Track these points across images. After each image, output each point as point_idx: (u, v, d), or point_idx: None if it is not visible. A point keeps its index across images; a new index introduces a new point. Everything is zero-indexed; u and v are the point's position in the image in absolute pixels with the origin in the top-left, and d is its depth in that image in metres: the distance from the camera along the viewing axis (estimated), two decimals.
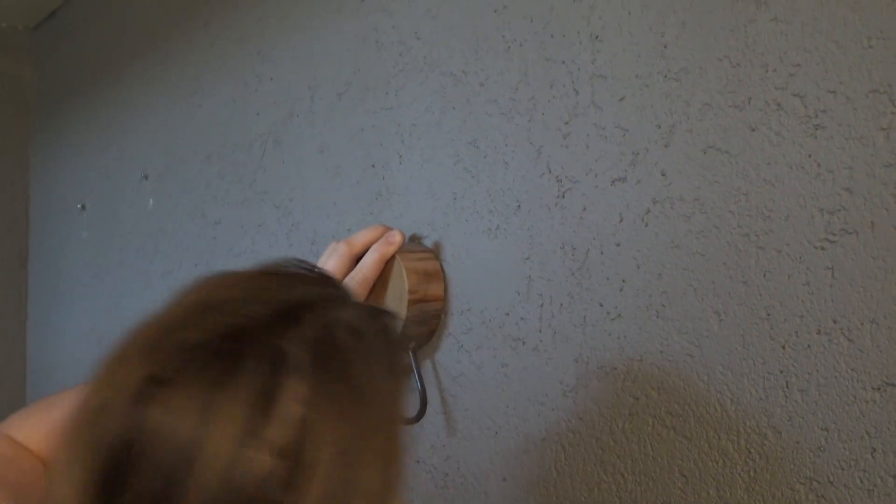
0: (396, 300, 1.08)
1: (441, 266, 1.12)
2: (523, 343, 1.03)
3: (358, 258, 1.09)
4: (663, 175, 0.91)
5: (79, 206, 1.93)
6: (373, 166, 1.22)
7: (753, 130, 0.84)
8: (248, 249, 1.45)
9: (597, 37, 0.97)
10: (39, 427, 0.95)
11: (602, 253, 0.96)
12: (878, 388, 0.76)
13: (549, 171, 1.01)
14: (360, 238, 1.09)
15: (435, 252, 1.13)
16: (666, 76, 0.91)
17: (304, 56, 1.35)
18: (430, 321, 1.11)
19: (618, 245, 0.94)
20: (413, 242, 1.15)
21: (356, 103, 1.25)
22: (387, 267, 1.09)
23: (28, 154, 2.21)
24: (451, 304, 1.11)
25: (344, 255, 1.08)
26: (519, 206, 1.04)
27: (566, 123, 0.99)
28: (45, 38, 2.17)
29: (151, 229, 1.70)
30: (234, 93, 1.50)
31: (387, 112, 1.20)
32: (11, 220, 2.22)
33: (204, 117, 1.57)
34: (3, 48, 2.21)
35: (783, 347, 0.82)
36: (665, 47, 0.91)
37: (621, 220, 0.94)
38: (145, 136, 1.73)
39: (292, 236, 1.35)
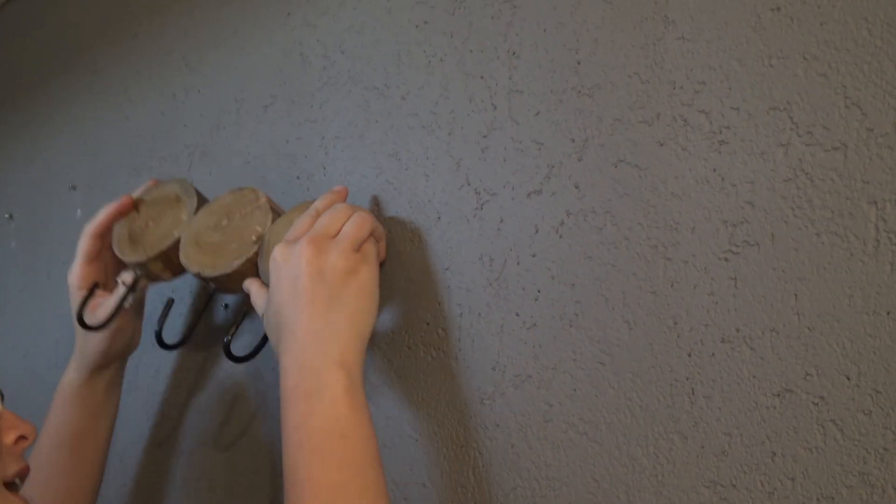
0: None
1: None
2: (443, 352, 1.05)
3: None
4: (577, 188, 0.93)
5: (6, 215, 1.92)
6: (298, 178, 1.24)
7: (661, 145, 0.86)
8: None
9: (514, 53, 0.99)
10: None
11: (518, 264, 0.98)
12: (778, 395, 0.79)
13: (468, 184, 1.03)
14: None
15: None
16: (580, 92, 0.93)
17: (230, 68, 1.36)
18: None
19: (533, 256, 0.97)
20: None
21: (282, 115, 1.27)
22: None
23: None
24: None
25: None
26: (439, 218, 1.06)
27: (484, 137, 1.01)
28: None
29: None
30: (161, 104, 1.50)
31: (311, 125, 1.22)
32: None
33: (132, 128, 1.58)
34: None
35: (689, 355, 0.84)
36: (579, 64, 0.93)
37: (537, 232, 0.96)
38: (74, 147, 1.73)
39: None
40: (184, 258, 1.16)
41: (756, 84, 0.81)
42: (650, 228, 0.87)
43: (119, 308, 1.26)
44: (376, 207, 1.14)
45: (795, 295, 0.78)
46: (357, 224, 1.01)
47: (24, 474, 1.05)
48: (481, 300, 1.01)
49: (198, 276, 1.13)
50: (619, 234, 0.90)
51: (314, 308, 0.96)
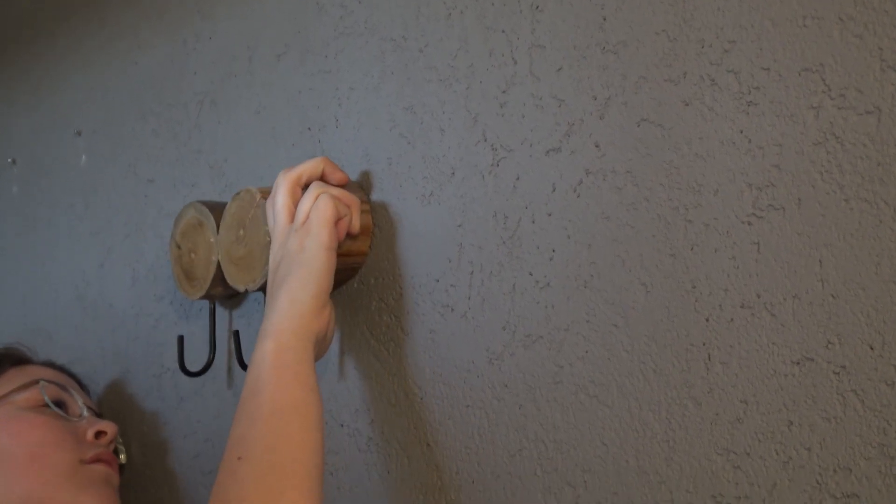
0: None
1: (373, 222, 1.12)
2: (452, 310, 1.04)
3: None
4: (597, 147, 0.91)
5: (9, 160, 1.90)
6: (309, 129, 1.22)
7: (687, 105, 0.85)
8: (179, 209, 1.43)
9: (537, 7, 0.97)
10: None
11: (534, 222, 0.96)
12: (798, 362, 0.77)
13: (485, 140, 1.01)
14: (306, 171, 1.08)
15: (370, 205, 1.13)
16: (604, 48, 0.91)
17: (243, 16, 1.34)
18: (344, 272, 1.12)
19: (549, 215, 0.95)
20: (356, 187, 1.14)
21: (295, 65, 1.25)
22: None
23: None
24: (381, 269, 1.11)
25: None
26: (453, 174, 1.04)
27: (503, 92, 0.99)
28: None
29: (83, 186, 1.68)
30: (171, 51, 1.48)
31: (325, 75, 1.20)
32: None
33: (140, 75, 1.56)
34: None
35: (707, 320, 0.83)
36: (604, 20, 0.91)
37: (554, 191, 0.95)
38: (79, 92, 1.71)
39: (225, 197, 1.34)
40: (229, 280, 1.21)
41: (788, 44, 0.79)
42: (672, 189, 0.85)
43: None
44: (367, 183, 1.15)
45: (820, 261, 0.76)
46: (303, 205, 1.04)
47: (103, 459, 1.28)
48: (494, 258, 1.00)
49: (245, 290, 1.18)
50: (639, 195, 0.88)
51: (269, 295, 1.02)
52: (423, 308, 1.07)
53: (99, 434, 1.30)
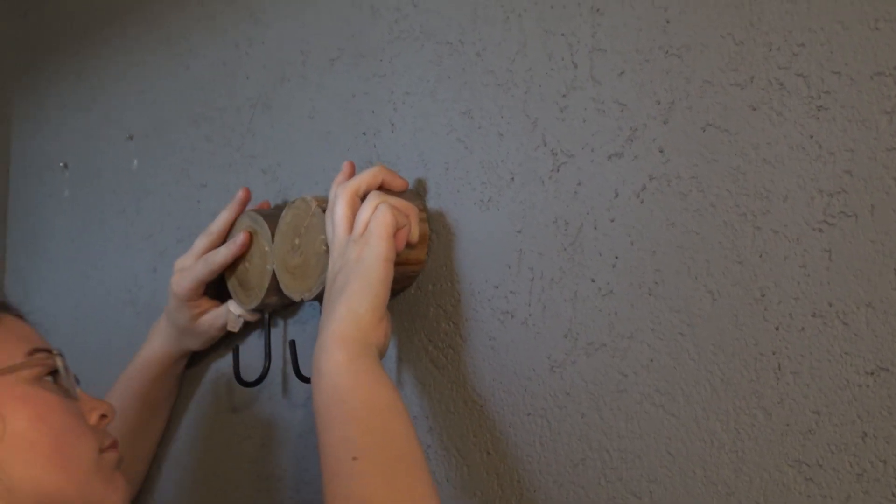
0: None
1: (429, 229, 1.12)
2: (512, 317, 1.03)
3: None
4: (661, 152, 0.90)
5: (61, 164, 1.91)
6: (364, 134, 1.21)
7: (754, 109, 0.83)
8: None
9: (598, 10, 0.96)
10: None
11: (596, 228, 0.95)
12: (872, 373, 0.75)
13: (545, 145, 1.00)
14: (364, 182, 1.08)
15: (427, 213, 1.12)
16: (667, 52, 0.90)
17: (296, 20, 1.34)
18: (401, 280, 1.12)
19: (612, 221, 0.94)
20: (414, 194, 1.14)
21: (349, 69, 1.24)
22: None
23: (9, 110, 2.17)
24: (439, 276, 1.10)
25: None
26: (512, 179, 1.03)
27: (563, 96, 0.98)
28: None
29: (135, 191, 1.68)
30: (223, 55, 1.48)
31: (380, 79, 1.19)
32: None
33: (192, 79, 1.56)
34: None
35: (777, 329, 0.81)
36: (667, 22, 0.90)
37: (616, 196, 0.93)
38: (131, 96, 1.71)
39: (279, 202, 1.34)
40: (284, 289, 1.20)
41: (860, 47, 0.77)
42: (739, 196, 0.84)
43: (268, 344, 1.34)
44: (422, 190, 1.14)
45: (895, 269, 0.74)
46: (361, 215, 1.04)
47: (115, 446, 1.10)
48: (555, 265, 0.99)
49: (301, 301, 1.18)
50: (704, 201, 0.86)
51: (327, 304, 1.02)
52: (482, 315, 1.06)
53: (102, 418, 1.10)
